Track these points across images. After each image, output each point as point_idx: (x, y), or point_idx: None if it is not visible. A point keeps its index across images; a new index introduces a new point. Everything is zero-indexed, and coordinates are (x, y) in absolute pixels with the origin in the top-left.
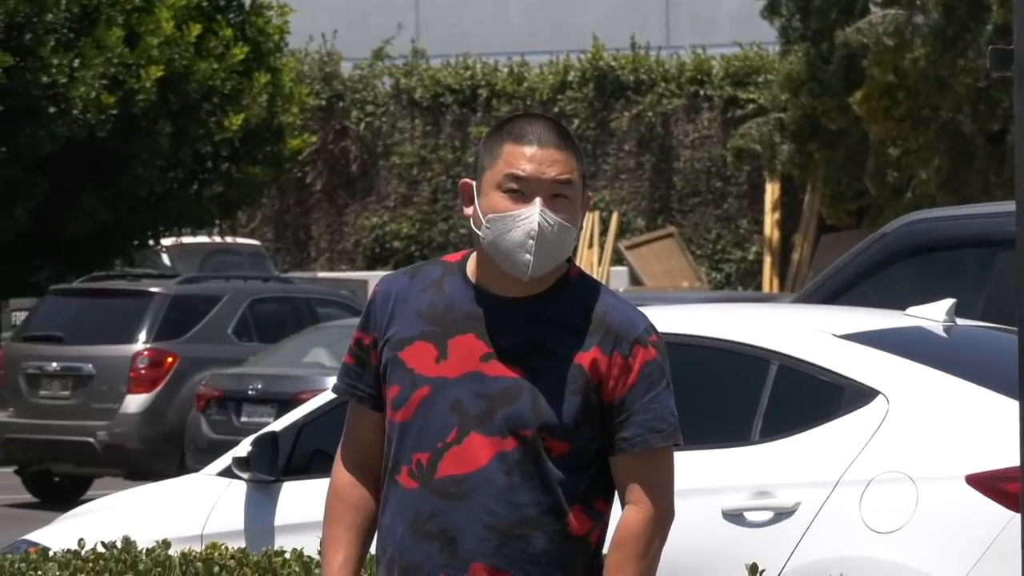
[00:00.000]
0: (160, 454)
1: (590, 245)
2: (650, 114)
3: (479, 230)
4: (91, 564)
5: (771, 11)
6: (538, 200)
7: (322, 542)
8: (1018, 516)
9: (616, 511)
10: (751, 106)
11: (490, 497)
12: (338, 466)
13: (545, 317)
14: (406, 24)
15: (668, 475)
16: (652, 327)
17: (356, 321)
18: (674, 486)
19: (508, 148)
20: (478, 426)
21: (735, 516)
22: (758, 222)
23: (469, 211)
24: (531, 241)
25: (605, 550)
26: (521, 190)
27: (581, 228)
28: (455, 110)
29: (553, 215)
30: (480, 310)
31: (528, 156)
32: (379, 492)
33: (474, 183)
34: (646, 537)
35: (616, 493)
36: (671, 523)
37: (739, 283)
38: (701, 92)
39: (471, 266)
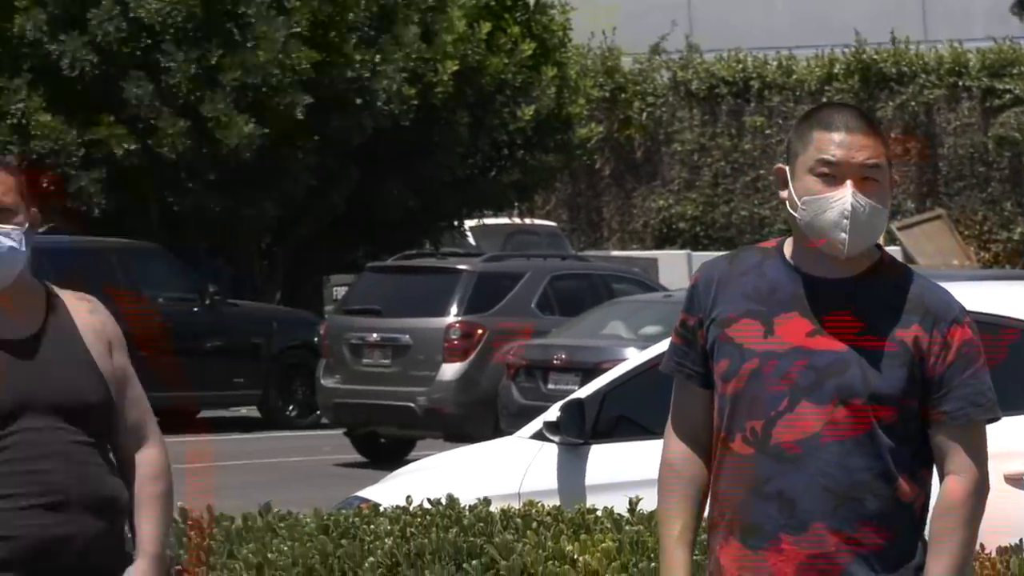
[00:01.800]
0: (475, 418)
1: None
2: (913, 103)
3: (795, 212)
4: (419, 519)
5: (1020, 8)
6: (849, 183)
7: (657, 513)
8: None
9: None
10: (1008, 96)
11: (825, 461)
12: (670, 440)
13: (865, 296)
14: (680, 21)
15: (985, 446)
16: (964, 309)
17: (649, 296)
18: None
19: (817, 135)
20: (808, 395)
21: (1016, 480)
22: (1021, 204)
23: (784, 194)
24: (846, 220)
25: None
26: (832, 174)
27: (889, 210)
28: (730, 100)
29: (864, 197)
30: (803, 290)
31: (837, 142)
32: (710, 464)
33: (787, 168)
34: (970, 504)
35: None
36: (988, 492)
37: (1007, 262)
38: (959, 83)
39: (788, 250)
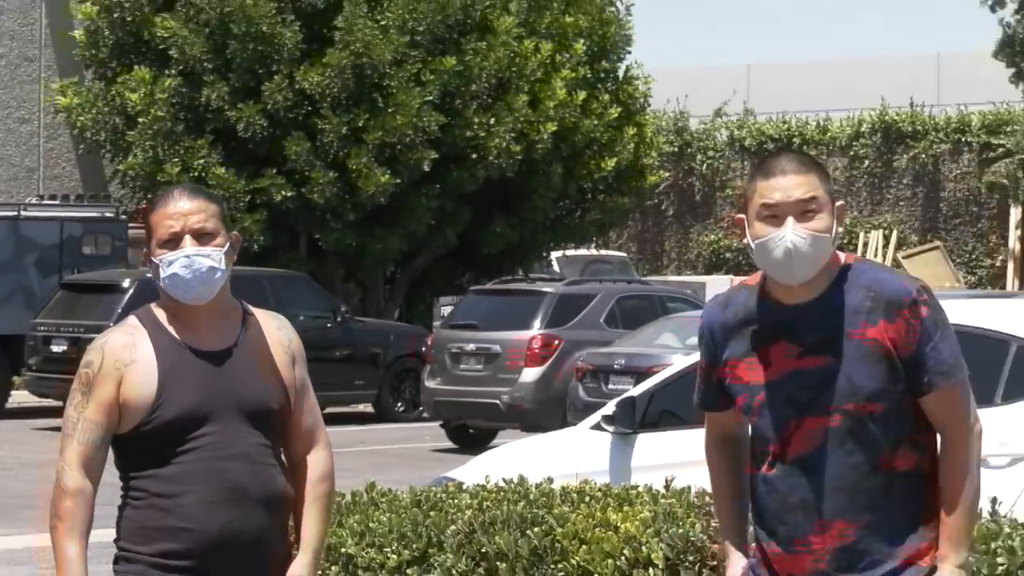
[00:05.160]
0: (548, 413)
1: (875, 255)
2: (923, 156)
3: (752, 255)
4: (493, 494)
5: (1017, 77)
6: (789, 220)
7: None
8: None
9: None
10: (1001, 149)
11: (832, 465)
12: (704, 441)
13: (836, 308)
14: (739, 90)
15: (963, 402)
16: (921, 288)
17: (697, 312)
18: (971, 406)
19: (759, 184)
20: (809, 411)
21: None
22: (1004, 238)
23: (745, 241)
24: (789, 256)
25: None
26: (774, 215)
27: (838, 233)
28: None
29: (803, 229)
30: (782, 318)
31: (774, 186)
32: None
33: (744, 217)
34: (962, 460)
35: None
36: (980, 434)
37: (989, 284)
38: (962, 139)
39: (766, 283)
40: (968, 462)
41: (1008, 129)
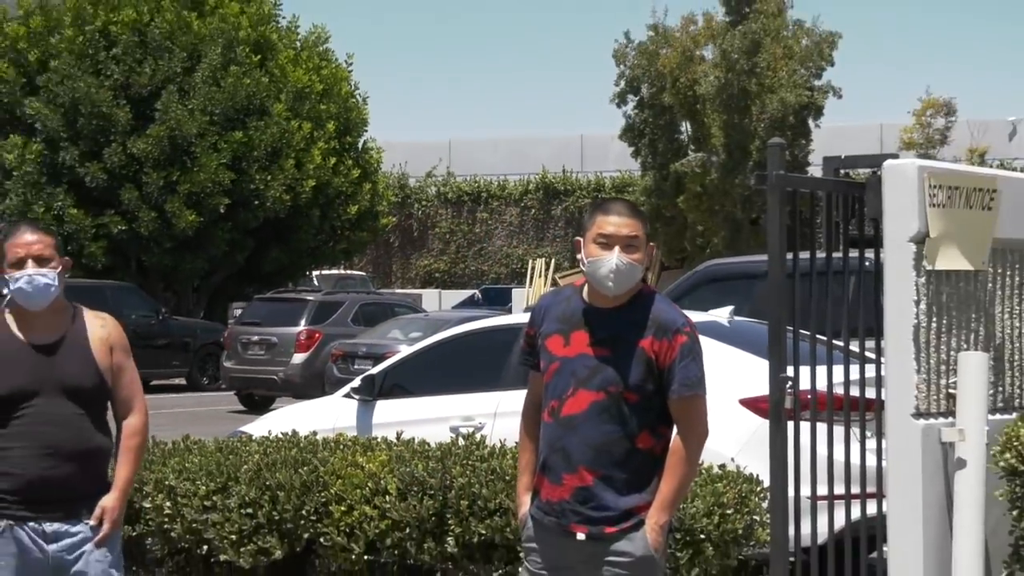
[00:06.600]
0: (312, 386)
1: (540, 276)
2: (572, 207)
3: (584, 268)
4: (275, 443)
5: (636, 153)
6: (616, 248)
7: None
8: (767, 421)
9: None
10: None
11: (590, 428)
12: (526, 401)
13: (625, 319)
14: (443, 159)
15: (698, 411)
16: (686, 323)
17: (415, 315)
18: (704, 418)
19: (599, 217)
20: (584, 385)
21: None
22: None
23: (580, 256)
24: (612, 274)
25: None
26: (606, 243)
27: (648, 267)
28: (469, 204)
29: (626, 257)
30: (588, 316)
31: (610, 221)
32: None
33: (581, 239)
34: (684, 452)
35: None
36: (703, 442)
37: None
38: (599, 196)
39: (586, 289)
40: (688, 454)
41: (630, 189)
